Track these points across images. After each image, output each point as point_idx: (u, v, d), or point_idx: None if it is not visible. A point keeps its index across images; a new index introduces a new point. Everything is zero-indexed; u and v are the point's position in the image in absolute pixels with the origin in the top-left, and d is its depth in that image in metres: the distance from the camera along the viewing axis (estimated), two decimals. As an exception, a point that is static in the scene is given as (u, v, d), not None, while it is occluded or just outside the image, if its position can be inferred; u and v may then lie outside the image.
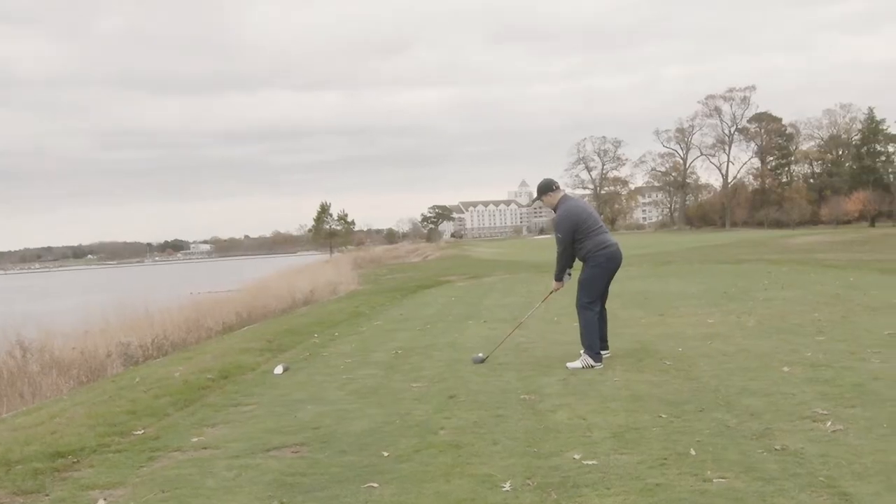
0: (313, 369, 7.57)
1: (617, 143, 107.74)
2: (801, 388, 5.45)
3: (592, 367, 6.70)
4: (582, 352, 6.89)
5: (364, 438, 4.77)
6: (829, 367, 6.12)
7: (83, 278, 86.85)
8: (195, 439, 4.99)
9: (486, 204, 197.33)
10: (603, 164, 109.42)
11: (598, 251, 6.96)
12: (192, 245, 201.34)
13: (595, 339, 6.87)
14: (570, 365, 6.81)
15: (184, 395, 6.38)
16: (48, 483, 4.18)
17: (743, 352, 7.07)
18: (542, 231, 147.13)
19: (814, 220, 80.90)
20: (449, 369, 7.06)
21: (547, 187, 7.23)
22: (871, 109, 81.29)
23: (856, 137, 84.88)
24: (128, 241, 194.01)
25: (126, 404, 6.07)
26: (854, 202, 74.50)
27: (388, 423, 5.14)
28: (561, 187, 7.32)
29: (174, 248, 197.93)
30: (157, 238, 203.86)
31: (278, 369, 7.48)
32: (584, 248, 6.98)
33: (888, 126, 79.09)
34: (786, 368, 6.18)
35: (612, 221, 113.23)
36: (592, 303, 7.00)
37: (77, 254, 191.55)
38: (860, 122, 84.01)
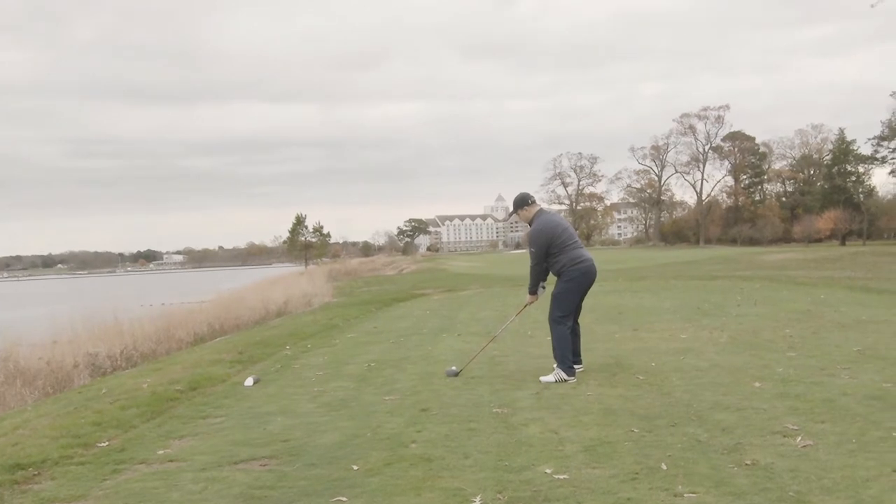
0: (284, 381, 7.47)
1: (593, 160, 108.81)
2: (771, 404, 5.48)
3: (565, 381, 6.68)
4: (555, 365, 6.88)
5: (334, 451, 4.71)
6: (799, 383, 6.16)
7: (53, 288, 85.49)
8: (161, 452, 4.89)
9: (462, 218, 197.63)
10: (579, 180, 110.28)
11: (573, 266, 6.97)
12: (165, 255, 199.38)
13: (567, 352, 6.87)
14: (543, 379, 6.79)
15: (151, 406, 6.27)
16: (7, 496, 4.07)
17: (715, 367, 7.10)
18: (517, 246, 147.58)
19: (786, 238, 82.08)
20: (422, 382, 7.01)
21: (522, 201, 7.24)
22: (841, 130, 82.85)
23: (827, 157, 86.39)
24: (99, 250, 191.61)
25: (91, 416, 5.95)
26: (825, 221, 75.74)
27: (359, 436, 5.07)
28: (537, 202, 7.33)
29: (146, 258, 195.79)
30: (129, 248, 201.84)
31: (249, 381, 7.38)
32: (558, 262, 6.99)
33: (858, 147, 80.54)
34: (757, 384, 6.21)
35: (588, 237, 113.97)
36: (565, 317, 7.00)
37: (47, 263, 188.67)
38: (831, 142, 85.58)
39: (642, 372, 6.99)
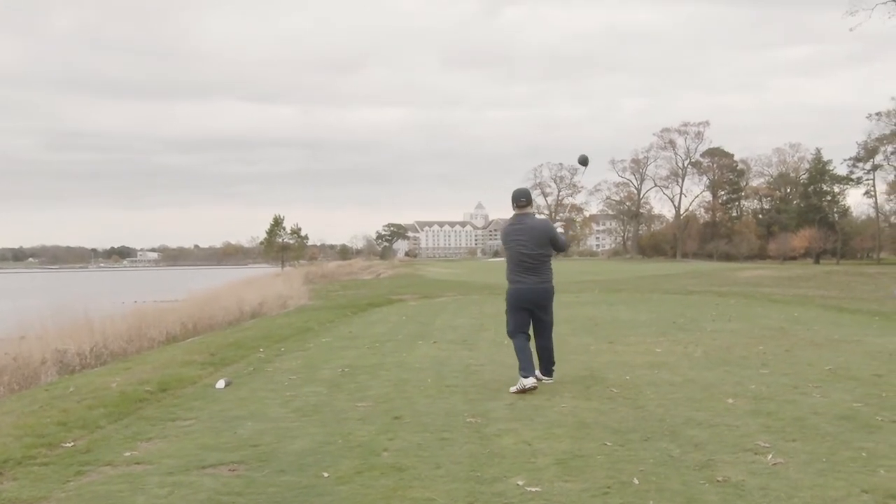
0: (256, 385, 7.38)
1: (573, 171, 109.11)
2: (744, 420, 5.50)
3: (525, 388, 6.63)
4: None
5: (304, 458, 4.65)
6: (771, 400, 6.19)
7: (23, 282, 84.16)
8: (128, 454, 4.79)
9: (441, 224, 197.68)
10: (559, 191, 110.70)
11: (509, 284, 7.09)
12: (140, 253, 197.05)
13: (525, 358, 6.83)
14: (511, 389, 6.76)
15: (119, 407, 6.16)
16: (-35, 496, 3.96)
17: (689, 382, 7.12)
18: (496, 254, 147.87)
19: (761, 255, 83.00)
20: (396, 389, 6.95)
21: (513, 199, 7.17)
22: (818, 150, 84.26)
23: (803, 176, 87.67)
24: (72, 245, 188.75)
25: (57, 415, 5.83)
26: (800, 239, 76.77)
27: (330, 442, 5.01)
28: (523, 207, 7.13)
29: (120, 254, 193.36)
30: (102, 244, 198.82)
31: (220, 384, 7.29)
32: (506, 271, 7.15)
33: (834, 167, 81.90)
34: (730, 400, 6.24)
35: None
36: (512, 333, 7.08)
37: (17, 256, 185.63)
38: (808, 161, 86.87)
39: (617, 385, 6.99)
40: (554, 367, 7.32)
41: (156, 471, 4.40)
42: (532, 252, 6.99)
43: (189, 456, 4.72)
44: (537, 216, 7.39)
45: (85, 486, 4.14)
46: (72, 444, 5.02)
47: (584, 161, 7.73)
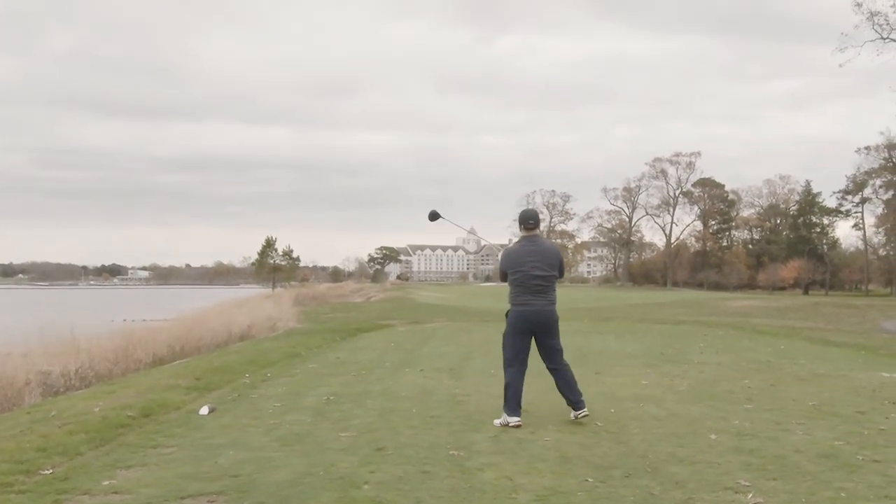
0: (240, 412, 7.35)
1: (566, 198, 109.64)
2: (726, 458, 5.51)
3: (508, 425, 6.55)
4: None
5: (284, 490, 4.62)
6: (754, 437, 6.20)
7: (12, 298, 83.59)
8: (106, 482, 4.76)
9: (433, 248, 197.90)
10: (551, 217, 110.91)
11: (514, 306, 6.92)
12: (130, 271, 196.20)
13: (512, 397, 6.72)
14: (496, 422, 6.73)
15: (101, 432, 6.11)
16: (-61, 524, 3.93)
17: (673, 416, 7.13)
18: (487, 278, 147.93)
19: (751, 285, 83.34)
20: (380, 419, 6.93)
21: (520, 221, 7.11)
22: (808, 182, 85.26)
23: (793, 208, 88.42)
24: (62, 262, 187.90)
25: (37, 440, 5.78)
26: (790, 270, 77.23)
27: (311, 474, 4.99)
28: (532, 229, 7.07)
29: (111, 272, 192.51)
30: (93, 262, 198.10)
31: (204, 410, 7.25)
32: (509, 294, 6.98)
33: (824, 199, 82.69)
34: (713, 436, 6.25)
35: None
36: (508, 361, 6.91)
37: (7, 272, 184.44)
38: (798, 193, 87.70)
39: (601, 418, 6.98)
40: (582, 397, 6.94)
41: (133, 501, 4.37)
42: (545, 274, 6.91)
43: (168, 486, 4.69)
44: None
45: (61, 516, 4.10)
46: (50, 471, 4.98)
47: (433, 217, 7.80)
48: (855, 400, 8.10)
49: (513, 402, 6.73)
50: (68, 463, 5.24)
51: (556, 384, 7.01)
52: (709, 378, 9.82)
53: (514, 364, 6.90)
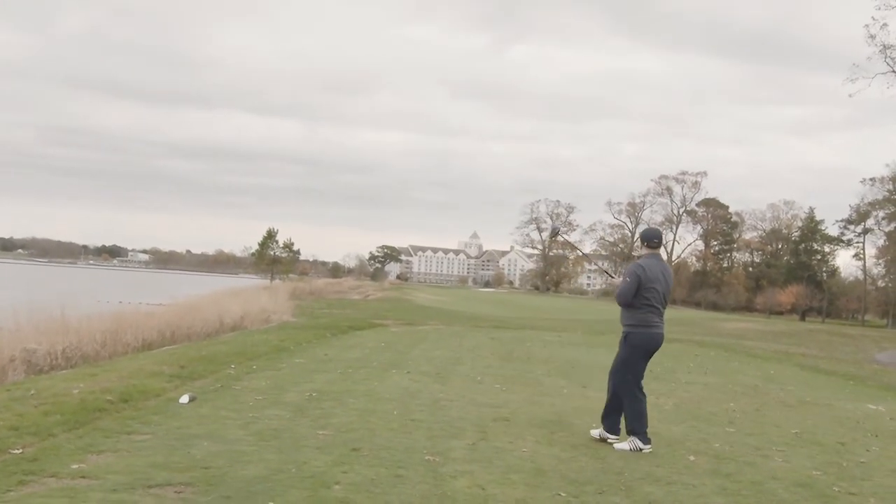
0: (220, 403, 7.31)
1: (570, 209, 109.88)
2: (702, 480, 5.47)
3: (641, 450, 6.30)
4: (630, 434, 6.49)
5: (254, 485, 4.58)
6: (733, 461, 6.17)
7: (9, 272, 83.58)
8: (75, 466, 4.72)
9: (435, 250, 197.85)
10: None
11: (642, 328, 6.55)
12: (131, 253, 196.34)
13: (645, 423, 6.47)
14: (617, 446, 6.41)
15: (76, 415, 6.08)
16: None
17: (654, 435, 7.04)
18: (487, 283, 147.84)
19: (749, 307, 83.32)
20: (360, 419, 6.89)
21: (643, 238, 6.85)
22: (811, 209, 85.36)
23: (795, 234, 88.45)
24: (63, 240, 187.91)
25: (11, 418, 5.75)
26: (788, 295, 77.17)
27: (283, 470, 4.95)
28: (656, 248, 6.82)
29: (111, 253, 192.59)
30: (94, 241, 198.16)
31: (184, 398, 7.22)
32: (632, 315, 6.57)
33: (826, 227, 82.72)
34: (692, 457, 6.21)
35: (557, 284, 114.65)
36: (638, 385, 6.63)
37: (6, 246, 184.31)
38: (801, 219, 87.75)
39: (582, 433, 6.95)
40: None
41: (99, 487, 4.33)
42: (667, 296, 6.67)
43: (137, 473, 4.65)
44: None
45: (24, 499, 4.06)
46: (20, 450, 4.95)
47: (554, 233, 7.82)
48: (838, 430, 8.06)
49: (645, 428, 6.47)
50: (39, 444, 5.20)
51: (617, 404, 6.73)
52: (694, 398, 9.78)
53: (641, 388, 6.67)
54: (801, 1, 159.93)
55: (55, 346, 11.82)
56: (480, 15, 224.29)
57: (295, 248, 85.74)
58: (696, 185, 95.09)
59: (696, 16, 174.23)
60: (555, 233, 9.77)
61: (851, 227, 77.51)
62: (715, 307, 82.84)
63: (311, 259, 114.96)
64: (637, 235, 7.60)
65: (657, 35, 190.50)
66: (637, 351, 6.63)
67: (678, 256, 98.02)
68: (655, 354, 6.95)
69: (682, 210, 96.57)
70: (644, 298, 6.49)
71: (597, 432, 6.77)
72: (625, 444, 6.42)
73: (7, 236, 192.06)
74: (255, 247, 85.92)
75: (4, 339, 11.58)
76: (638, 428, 6.45)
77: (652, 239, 6.81)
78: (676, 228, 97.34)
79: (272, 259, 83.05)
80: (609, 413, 6.79)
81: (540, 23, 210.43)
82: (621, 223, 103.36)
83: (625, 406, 6.61)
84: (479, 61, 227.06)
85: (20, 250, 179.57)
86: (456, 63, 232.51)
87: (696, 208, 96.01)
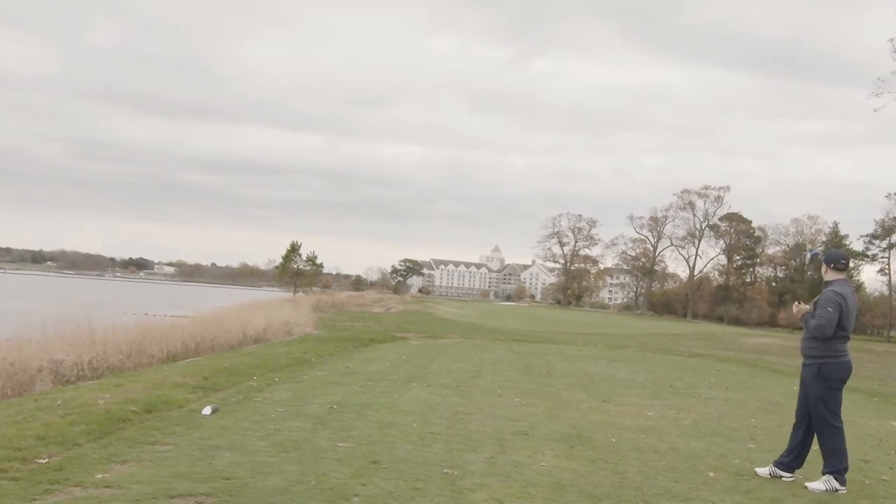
0: (242, 414, 7.40)
1: (592, 223, 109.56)
2: (721, 497, 5.45)
3: (837, 491, 5.89)
4: (827, 473, 6.07)
5: (273, 497, 4.65)
6: (753, 478, 6.13)
7: (39, 284, 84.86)
8: (99, 475, 4.82)
9: (457, 264, 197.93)
10: (576, 241, 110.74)
11: (840, 358, 6.25)
12: (157, 266, 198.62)
13: (843, 459, 6.05)
14: (811, 486, 5.98)
15: (101, 425, 6.19)
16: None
17: (674, 450, 7.06)
18: (508, 297, 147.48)
19: (772, 322, 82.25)
20: (380, 431, 6.95)
21: (830, 259, 6.49)
22: (836, 224, 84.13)
23: (819, 248, 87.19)
24: (90, 252, 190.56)
25: (38, 428, 5.87)
26: (812, 310, 75.86)
27: (303, 482, 5.01)
28: (840, 270, 6.44)
29: (137, 265, 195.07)
30: (120, 254, 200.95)
31: (207, 410, 7.31)
32: (827, 346, 6.20)
33: (851, 242, 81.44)
34: (711, 473, 6.18)
35: (579, 297, 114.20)
36: (839, 419, 6.21)
37: (36, 258, 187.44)
38: (825, 234, 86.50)
39: (601, 447, 6.95)
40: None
41: (123, 496, 4.41)
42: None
43: (159, 483, 4.73)
44: None
45: (50, 506, 4.16)
46: (46, 460, 5.06)
47: (813, 259, 7.33)
48: (860, 447, 7.97)
49: (844, 467, 6.05)
50: (65, 453, 5.31)
51: (801, 438, 6.36)
52: (715, 414, 9.71)
53: (839, 419, 6.23)
54: (824, 14, 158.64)
55: (82, 356, 12.02)
56: (502, 28, 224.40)
57: (318, 261, 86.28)
58: (718, 199, 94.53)
59: (718, 29, 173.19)
60: (813, 259, 8.36)
61: (876, 241, 76.30)
62: (737, 322, 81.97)
63: (333, 272, 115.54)
64: (816, 254, 7.07)
65: (678, 48, 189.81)
66: (834, 383, 6.26)
67: (700, 271, 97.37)
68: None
69: (704, 224, 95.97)
70: (841, 329, 6.14)
71: (765, 470, 6.32)
72: (820, 483, 5.98)
73: (37, 248, 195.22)
74: (279, 260, 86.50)
75: (33, 349, 11.79)
76: (836, 465, 6.02)
77: (839, 260, 6.44)
78: (699, 243, 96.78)
79: (295, 272, 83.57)
80: (790, 450, 6.35)
81: (561, 36, 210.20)
82: (643, 237, 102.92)
83: (821, 442, 6.19)
84: (501, 74, 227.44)
85: (49, 262, 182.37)
86: (477, 76, 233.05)
87: (719, 223, 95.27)
